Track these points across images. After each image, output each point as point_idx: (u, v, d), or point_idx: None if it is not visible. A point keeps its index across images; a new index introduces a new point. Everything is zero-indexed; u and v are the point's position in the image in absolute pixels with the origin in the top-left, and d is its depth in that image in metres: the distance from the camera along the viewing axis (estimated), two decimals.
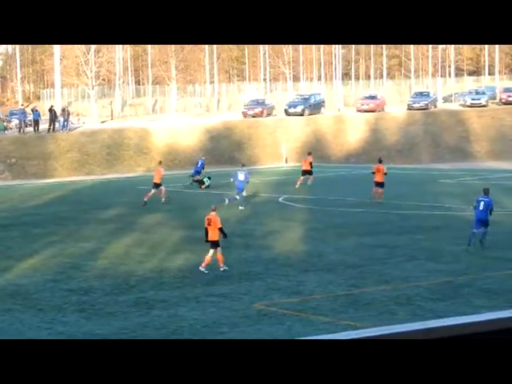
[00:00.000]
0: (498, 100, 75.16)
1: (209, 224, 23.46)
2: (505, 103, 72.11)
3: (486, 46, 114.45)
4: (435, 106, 74.38)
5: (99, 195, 45.77)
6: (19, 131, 63.27)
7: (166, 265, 24.75)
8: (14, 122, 66.19)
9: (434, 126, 67.92)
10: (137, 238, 29.95)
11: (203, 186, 47.42)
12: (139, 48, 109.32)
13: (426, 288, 20.85)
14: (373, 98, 75.44)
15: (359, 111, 71.90)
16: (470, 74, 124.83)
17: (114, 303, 19.99)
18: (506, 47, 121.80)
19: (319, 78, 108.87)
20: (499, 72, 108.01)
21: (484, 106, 71.78)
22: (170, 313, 18.84)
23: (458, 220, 32.37)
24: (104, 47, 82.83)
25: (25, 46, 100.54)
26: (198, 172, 49.20)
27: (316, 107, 72.02)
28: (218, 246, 23.35)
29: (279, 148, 62.87)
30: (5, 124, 65.92)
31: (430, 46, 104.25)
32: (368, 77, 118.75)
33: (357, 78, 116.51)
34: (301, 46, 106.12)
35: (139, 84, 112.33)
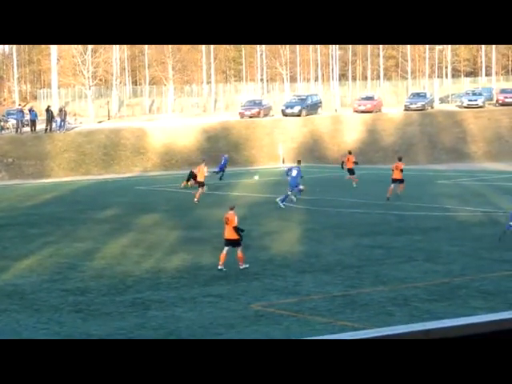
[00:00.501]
0: (494, 101, 75.25)
1: (226, 222, 23.69)
2: (501, 104, 72.20)
3: (483, 47, 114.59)
4: (432, 107, 74.45)
5: (96, 195, 45.73)
6: (16, 131, 63.21)
7: (163, 265, 24.73)
8: (11, 121, 66.11)
9: (430, 126, 67.97)
10: (133, 239, 29.92)
11: (187, 184, 46.62)
12: (136, 48, 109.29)
13: (423, 289, 20.84)
14: (370, 98, 75.49)
15: (356, 112, 71.94)
16: (467, 75, 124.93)
17: (111, 303, 19.96)
18: (503, 48, 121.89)
19: (316, 79, 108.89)
20: (496, 73, 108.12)
21: (481, 107, 71.85)
22: (166, 313, 18.81)
23: (455, 221, 32.38)
24: (101, 47, 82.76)
25: (21, 46, 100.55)
26: (221, 169, 49.82)
27: (313, 108, 72.06)
28: (238, 244, 23.45)
29: (276, 148, 62.88)
30: (1, 124, 65.84)
31: (427, 46, 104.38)
32: (365, 78, 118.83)
33: (354, 78, 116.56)
34: (298, 46, 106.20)
35: (136, 84, 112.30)
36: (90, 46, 78.76)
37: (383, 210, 35.56)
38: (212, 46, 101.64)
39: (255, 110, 71.05)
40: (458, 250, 26.05)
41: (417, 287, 21.07)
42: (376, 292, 20.59)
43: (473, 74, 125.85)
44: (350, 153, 47.91)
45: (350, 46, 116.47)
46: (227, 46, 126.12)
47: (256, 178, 50.47)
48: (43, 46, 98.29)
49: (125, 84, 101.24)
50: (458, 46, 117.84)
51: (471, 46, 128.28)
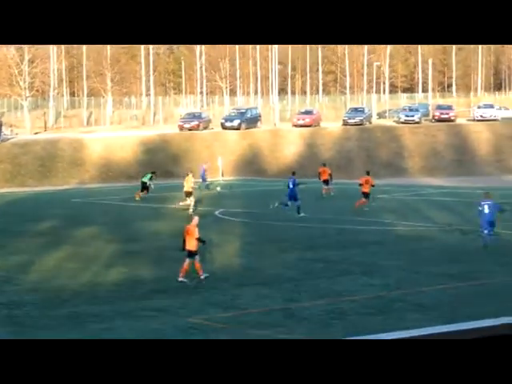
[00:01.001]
0: (431, 117, 76.36)
1: (187, 233, 23.90)
2: (437, 120, 73.29)
3: (420, 64, 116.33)
4: (370, 122, 75.20)
5: (32, 207, 45.08)
6: None
7: (100, 279, 24.43)
8: None
9: (368, 141, 68.63)
10: (70, 252, 29.53)
11: (141, 195, 46.71)
12: (74, 59, 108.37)
13: (360, 303, 20.95)
14: (309, 113, 75.97)
15: (295, 126, 72.29)
16: (404, 90, 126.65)
17: (46, 317, 19.63)
18: (439, 65, 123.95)
19: (256, 93, 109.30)
20: (432, 89, 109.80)
21: (417, 122, 72.80)
22: (102, 327, 18.57)
23: (392, 235, 32.67)
24: (38, 58, 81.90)
25: None
26: (203, 178, 49.97)
27: (252, 121, 72.21)
28: (196, 255, 23.69)
29: (216, 161, 62.82)
30: None
31: (365, 62, 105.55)
32: (304, 92, 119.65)
33: (293, 93, 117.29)
34: (237, 59, 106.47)
35: (74, 95, 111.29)
36: (26, 57, 77.87)
37: (323, 223, 35.72)
38: (151, 58, 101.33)
39: (194, 123, 70.94)
40: (394, 263, 26.28)
41: (354, 301, 21.17)
42: (315, 306, 20.63)
43: (410, 89, 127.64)
44: (324, 165, 49.06)
45: (290, 60, 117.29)
46: (166, 59, 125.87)
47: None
48: None
49: (62, 95, 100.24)
50: (395, 62, 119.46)
51: (408, 62, 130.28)
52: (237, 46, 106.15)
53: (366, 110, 77.49)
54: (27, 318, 19.52)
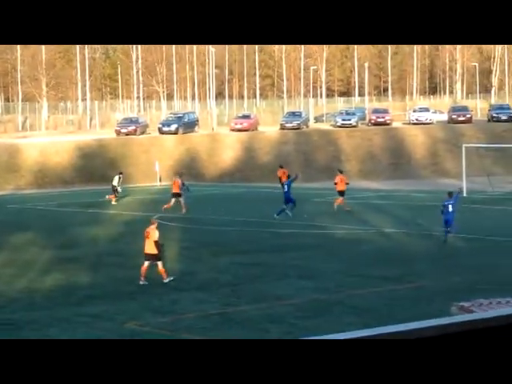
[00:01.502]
0: (367, 121, 77.15)
1: (147, 237, 24.13)
2: (374, 124, 74.05)
3: (356, 68, 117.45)
4: (307, 126, 75.66)
5: None
6: None
7: (36, 285, 24.17)
8: None
9: (306, 145, 69.04)
10: (5, 258, 29.15)
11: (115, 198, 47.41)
12: (9, 64, 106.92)
13: (297, 306, 21.09)
14: (246, 117, 76.12)
15: (233, 130, 72.38)
16: (341, 94, 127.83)
17: None
18: (374, 69, 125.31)
19: (193, 97, 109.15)
20: (369, 93, 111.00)
21: (354, 126, 73.46)
22: (39, 334, 18.38)
23: (330, 239, 32.91)
24: None
25: None
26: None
27: (190, 126, 72.09)
28: (158, 259, 23.87)
29: (153, 166, 62.54)
30: None
31: (302, 66, 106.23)
32: (242, 96, 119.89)
33: (230, 97, 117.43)
34: (174, 64, 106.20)
35: (8, 101, 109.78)
36: None
37: (260, 227, 35.82)
38: (87, 63, 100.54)
39: (131, 128, 70.56)
40: (332, 266, 26.49)
41: (292, 304, 21.30)
42: (252, 309, 20.70)
43: (346, 93, 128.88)
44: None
45: (227, 64, 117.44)
46: (102, 63, 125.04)
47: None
48: None
49: None
50: (332, 66, 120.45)
51: (345, 66, 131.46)
52: (173, 50, 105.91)
53: (304, 114, 77.95)
54: None
